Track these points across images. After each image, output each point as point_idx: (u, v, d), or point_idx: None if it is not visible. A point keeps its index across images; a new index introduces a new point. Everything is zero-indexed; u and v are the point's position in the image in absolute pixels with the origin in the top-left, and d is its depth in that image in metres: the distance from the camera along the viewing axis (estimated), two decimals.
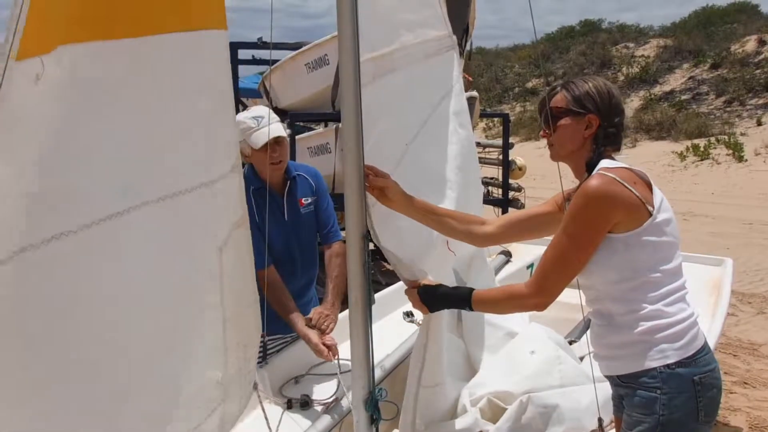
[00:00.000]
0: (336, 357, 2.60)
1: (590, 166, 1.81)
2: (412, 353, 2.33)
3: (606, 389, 2.00)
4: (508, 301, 1.90)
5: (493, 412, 2.36)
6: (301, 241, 2.96)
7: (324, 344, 2.62)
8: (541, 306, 1.82)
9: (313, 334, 2.67)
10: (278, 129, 2.76)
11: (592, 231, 1.72)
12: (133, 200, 1.36)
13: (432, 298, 2.01)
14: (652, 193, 1.76)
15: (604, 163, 1.79)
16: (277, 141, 2.74)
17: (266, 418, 2.24)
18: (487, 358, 2.73)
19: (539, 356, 2.51)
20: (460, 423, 2.33)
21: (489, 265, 3.27)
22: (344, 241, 1.99)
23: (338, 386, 2.56)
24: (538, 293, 1.78)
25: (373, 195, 1.95)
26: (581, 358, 2.66)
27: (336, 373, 2.59)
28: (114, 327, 1.35)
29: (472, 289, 1.94)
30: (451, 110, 2.52)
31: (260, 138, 2.71)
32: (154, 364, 1.46)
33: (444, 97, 2.50)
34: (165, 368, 1.50)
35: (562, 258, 1.76)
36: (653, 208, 1.73)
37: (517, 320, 3.02)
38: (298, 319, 2.71)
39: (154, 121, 1.40)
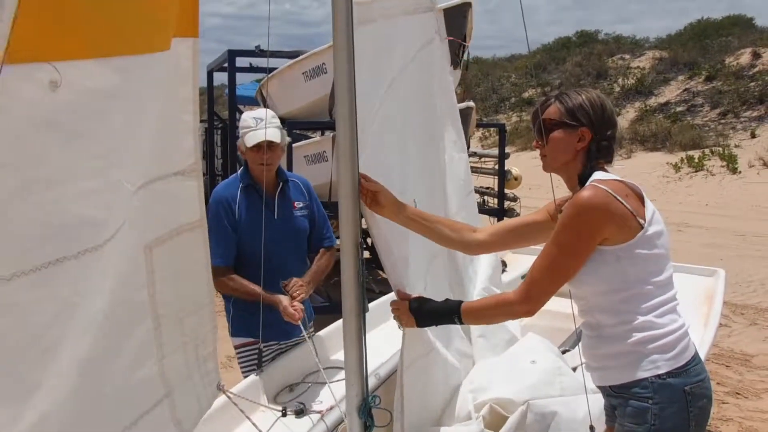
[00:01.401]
0: (301, 320, 2.73)
1: (582, 178, 1.83)
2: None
3: (600, 401, 2.01)
4: (496, 309, 1.90)
5: (494, 420, 2.38)
6: (290, 242, 2.99)
7: (293, 308, 2.73)
8: (529, 313, 1.83)
9: (284, 298, 2.77)
10: (274, 134, 2.81)
11: (582, 242, 1.74)
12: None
13: (422, 311, 1.97)
14: (643, 205, 1.78)
15: (597, 175, 1.80)
16: (270, 145, 2.80)
17: (259, 429, 2.26)
18: (490, 357, 2.76)
19: (540, 366, 2.53)
20: (464, 430, 2.34)
21: (495, 257, 3.33)
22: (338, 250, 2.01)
23: (311, 384, 2.58)
24: (526, 300, 1.79)
25: (365, 201, 1.95)
26: (574, 369, 2.68)
27: (331, 381, 2.60)
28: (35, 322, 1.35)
29: (461, 302, 1.93)
30: (431, 59, 2.65)
31: (253, 138, 2.80)
32: (74, 356, 1.47)
33: (421, 48, 2.60)
34: (87, 360, 1.51)
35: (551, 267, 1.77)
36: (644, 221, 1.75)
37: (514, 327, 3.05)
38: (267, 293, 2.77)
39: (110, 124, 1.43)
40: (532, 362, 2.56)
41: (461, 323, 1.93)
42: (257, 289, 2.74)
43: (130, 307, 1.65)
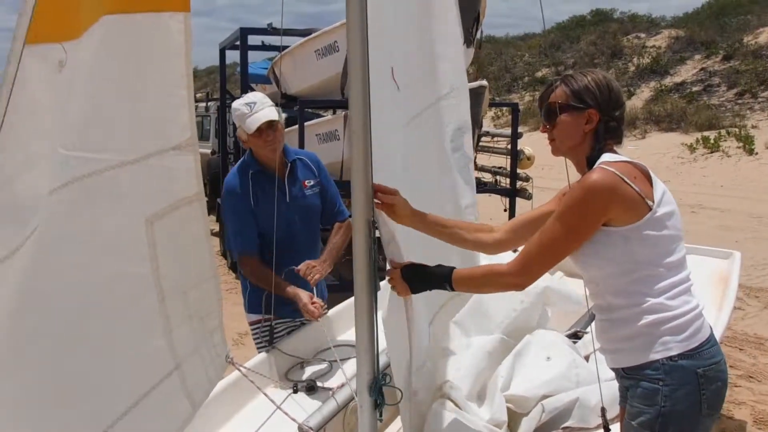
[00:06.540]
0: (321, 317, 2.75)
1: (591, 160, 1.82)
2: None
3: (613, 388, 2.01)
4: (488, 278, 1.89)
5: (508, 416, 2.38)
6: (303, 222, 2.99)
7: (313, 305, 2.74)
8: (520, 286, 1.84)
9: (303, 295, 2.76)
10: (271, 113, 2.80)
11: (585, 223, 1.73)
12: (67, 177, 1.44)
13: (416, 277, 1.95)
14: (652, 186, 1.77)
15: (606, 157, 1.79)
16: (270, 125, 2.79)
17: (272, 400, 2.27)
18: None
19: (556, 362, 2.52)
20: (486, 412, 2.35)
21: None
22: None
23: (327, 365, 2.59)
24: (520, 273, 1.79)
25: (384, 211, 1.95)
26: (586, 357, 2.67)
27: (343, 359, 2.62)
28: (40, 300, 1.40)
29: (453, 268, 1.92)
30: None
31: (253, 123, 2.78)
32: (79, 333, 1.52)
33: None
34: (91, 334, 1.57)
35: (550, 244, 1.76)
36: (653, 202, 1.73)
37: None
38: (288, 286, 2.79)
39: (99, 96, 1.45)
40: (547, 359, 2.55)
41: (452, 290, 1.92)
42: (281, 283, 2.77)
43: (133, 280, 1.68)
